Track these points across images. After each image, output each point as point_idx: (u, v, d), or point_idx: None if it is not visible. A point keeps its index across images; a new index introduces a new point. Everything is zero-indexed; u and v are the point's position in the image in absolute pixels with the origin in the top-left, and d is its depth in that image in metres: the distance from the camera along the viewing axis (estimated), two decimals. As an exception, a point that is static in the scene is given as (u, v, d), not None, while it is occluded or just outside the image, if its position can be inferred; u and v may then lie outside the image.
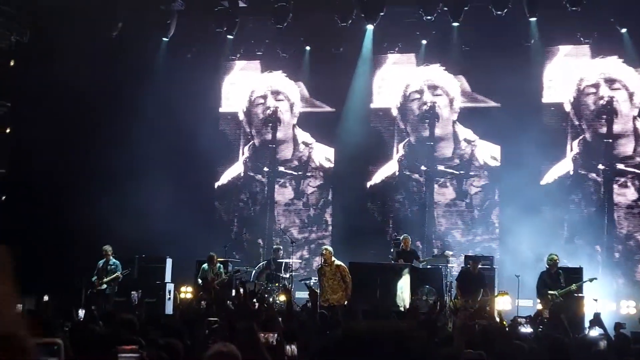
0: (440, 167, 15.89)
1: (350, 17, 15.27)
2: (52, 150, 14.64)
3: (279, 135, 16.86)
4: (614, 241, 14.67)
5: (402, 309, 11.71)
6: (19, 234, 13.17)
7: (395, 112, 16.30)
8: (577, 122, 15.34)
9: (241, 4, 15.69)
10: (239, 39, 16.36)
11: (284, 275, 13.75)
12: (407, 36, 15.76)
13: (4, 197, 15.75)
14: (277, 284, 13.58)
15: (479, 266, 12.57)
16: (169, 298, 13.97)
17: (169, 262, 14.33)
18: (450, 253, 13.93)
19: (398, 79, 16.23)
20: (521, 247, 13.84)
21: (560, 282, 12.01)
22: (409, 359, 1.45)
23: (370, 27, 15.57)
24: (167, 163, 14.94)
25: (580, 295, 12.18)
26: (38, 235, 14.33)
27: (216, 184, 16.80)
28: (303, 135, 16.71)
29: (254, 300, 11.87)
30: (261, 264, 14.56)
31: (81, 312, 10.94)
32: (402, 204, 15.97)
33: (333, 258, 12.41)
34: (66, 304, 10.62)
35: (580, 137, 15.28)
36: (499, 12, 14.48)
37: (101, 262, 13.72)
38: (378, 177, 16.14)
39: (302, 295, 13.39)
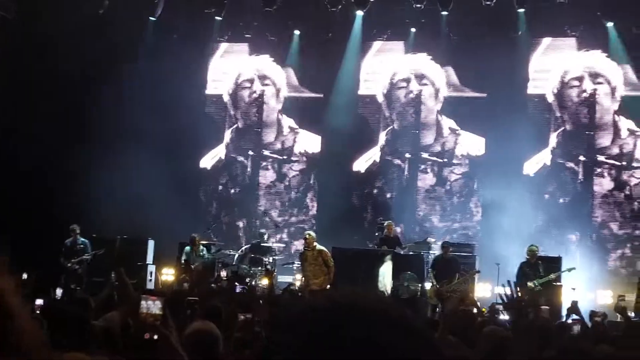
0: (424, 155, 15.97)
1: (340, 3, 15.23)
2: (35, 128, 14.46)
3: (264, 119, 16.81)
4: (591, 230, 14.89)
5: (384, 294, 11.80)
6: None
7: (381, 99, 16.31)
8: (559, 114, 15.48)
9: (230, -14, 15.60)
10: (227, 20, 16.25)
11: (267, 260, 13.77)
12: (397, 24, 15.74)
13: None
14: (260, 268, 13.59)
15: (450, 251, 12.70)
16: (150, 279, 13.93)
17: (150, 243, 14.28)
18: (433, 240, 14.02)
19: (386, 67, 16.23)
20: (501, 235, 13.95)
21: (539, 272, 12.15)
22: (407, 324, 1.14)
23: (360, 13, 15.54)
24: (151, 144, 14.82)
25: (558, 284, 12.37)
26: (18, 214, 14.19)
27: (200, 165, 16.75)
28: (288, 120, 16.68)
29: (236, 282, 11.92)
30: (244, 247, 14.56)
31: (59, 291, 10.93)
32: (383, 189, 16.03)
33: (315, 243, 12.45)
34: (44, 283, 10.58)
35: (561, 129, 15.42)
36: (487, 3, 14.51)
37: (69, 241, 13.48)
38: (361, 163, 16.17)
39: (284, 279, 13.41)
